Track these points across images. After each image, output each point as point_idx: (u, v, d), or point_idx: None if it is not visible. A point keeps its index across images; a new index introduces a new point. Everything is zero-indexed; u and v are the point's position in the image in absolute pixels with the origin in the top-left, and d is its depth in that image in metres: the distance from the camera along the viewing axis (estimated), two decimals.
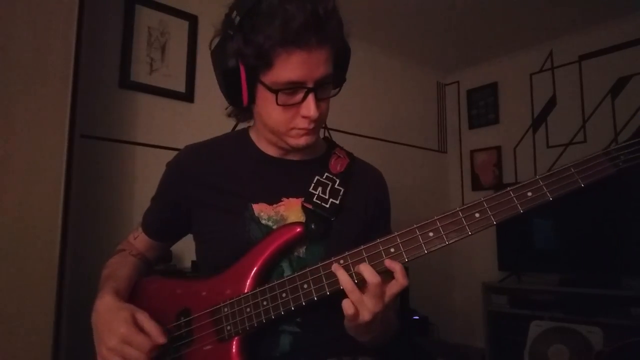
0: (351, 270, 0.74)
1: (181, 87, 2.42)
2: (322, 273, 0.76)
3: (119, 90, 2.23)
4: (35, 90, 1.48)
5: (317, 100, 0.80)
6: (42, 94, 1.49)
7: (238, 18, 0.76)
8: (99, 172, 2.13)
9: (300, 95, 0.79)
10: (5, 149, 1.41)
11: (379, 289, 0.71)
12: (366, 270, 0.72)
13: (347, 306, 0.72)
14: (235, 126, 0.98)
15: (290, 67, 0.75)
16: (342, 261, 0.75)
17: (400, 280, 0.72)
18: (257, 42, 0.74)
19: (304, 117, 0.80)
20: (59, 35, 1.55)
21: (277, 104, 0.79)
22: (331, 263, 0.75)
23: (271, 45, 0.73)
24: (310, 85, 0.77)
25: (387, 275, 0.73)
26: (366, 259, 0.74)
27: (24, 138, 1.45)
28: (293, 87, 0.77)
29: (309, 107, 0.78)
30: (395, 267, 0.72)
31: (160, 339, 0.76)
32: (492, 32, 3.27)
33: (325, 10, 0.74)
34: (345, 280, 0.72)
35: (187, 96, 2.44)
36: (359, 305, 0.71)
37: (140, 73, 2.29)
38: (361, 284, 0.73)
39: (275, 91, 0.78)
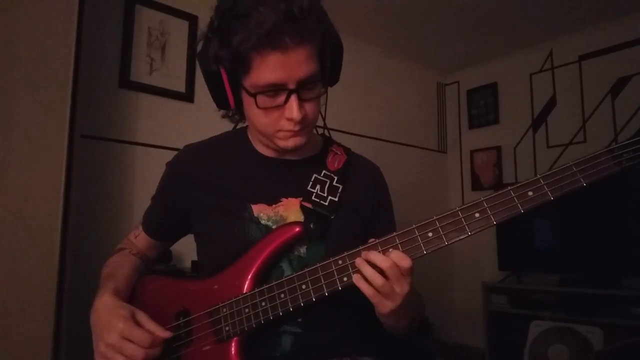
0: (350, 270, 0.74)
1: (181, 87, 2.42)
2: (321, 274, 0.75)
3: (119, 90, 2.23)
4: (35, 90, 1.48)
5: (302, 100, 0.77)
6: (42, 94, 1.49)
7: (216, 21, 0.75)
8: (99, 172, 2.13)
9: (282, 97, 0.77)
10: (5, 149, 1.41)
11: (396, 270, 0.69)
12: (376, 258, 0.70)
13: (376, 301, 0.71)
14: (236, 125, 0.98)
15: (268, 69, 0.73)
16: (340, 262, 0.74)
17: (401, 263, 0.70)
18: (232, 46, 0.73)
19: (288, 119, 0.78)
20: (59, 35, 1.54)
21: (258, 107, 0.77)
22: (330, 264, 0.75)
23: (246, 49, 0.72)
24: (291, 86, 0.75)
25: None
26: None
27: (24, 138, 1.45)
28: (273, 89, 0.76)
29: (292, 109, 0.76)
30: (391, 254, 0.71)
31: (165, 333, 0.77)
32: (492, 32, 3.27)
33: (301, 8, 0.71)
34: (372, 274, 0.70)
35: (187, 96, 2.44)
36: (391, 295, 0.70)
37: (140, 73, 2.29)
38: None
39: (253, 95, 0.76)
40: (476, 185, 3.73)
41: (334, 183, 0.89)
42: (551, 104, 3.36)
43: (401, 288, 0.70)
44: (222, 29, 0.74)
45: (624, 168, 0.66)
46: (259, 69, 0.74)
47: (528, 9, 2.93)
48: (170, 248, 1.35)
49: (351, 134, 3.21)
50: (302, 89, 0.77)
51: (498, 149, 3.62)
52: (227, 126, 0.99)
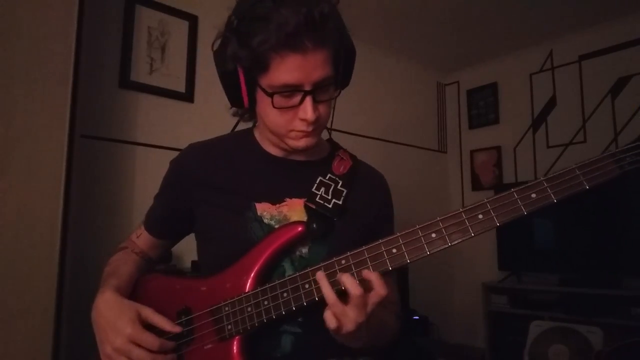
0: (353, 270, 0.74)
1: (181, 87, 2.42)
2: (325, 273, 0.75)
3: (119, 90, 2.22)
4: (35, 90, 1.48)
5: (316, 102, 0.79)
6: (42, 94, 1.49)
7: (236, 21, 0.77)
8: (99, 172, 2.12)
9: (297, 98, 0.78)
10: (6, 149, 1.41)
11: (360, 300, 0.69)
12: (348, 281, 0.70)
13: (329, 319, 0.70)
14: (235, 126, 0.98)
15: (286, 70, 0.75)
16: (343, 261, 0.75)
17: (378, 291, 0.70)
18: (252, 46, 0.74)
19: (301, 119, 0.80)
20: (59, 35, 1.54)
21: (274, 106, 0.79)
22: (333, 263, 0.75)
23: (266, 49, 0.73)
24: (307, 88, 0.77)
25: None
26: (368, 259, 0.74)
27: (24, 138, 1.44)
28: (290, 90, 0.77)
29: (306, 110, 0.78)
30: (371, 276, 0.71)
31: (176, 329, 0.78)
32: (492, 32, 3.27)
33: (321, 13, 0.73)
34: (327, 291, 0.71)
35: (187, 96, 2.43)
36: (341, 317, 0.70)
37: (140, 73, 2.29)
38: (343, 292, 0.72)
39: (270, 94, 0.78)
40: (476, 185, 3.74)
41: (339, 187, 0.90)
42: (551, 104, 3.37)
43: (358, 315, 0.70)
44: (242, 30, 0.76)
45: (626, 172, 0.67)
46: (278, 69, 0.75)
47: (528, 9, 2.94)
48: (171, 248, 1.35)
49: (351, 134, 3.21)
50: (317, 90, 0.79)
51: (498, 149, 3.62)
52: (227, 125, 0.99)
